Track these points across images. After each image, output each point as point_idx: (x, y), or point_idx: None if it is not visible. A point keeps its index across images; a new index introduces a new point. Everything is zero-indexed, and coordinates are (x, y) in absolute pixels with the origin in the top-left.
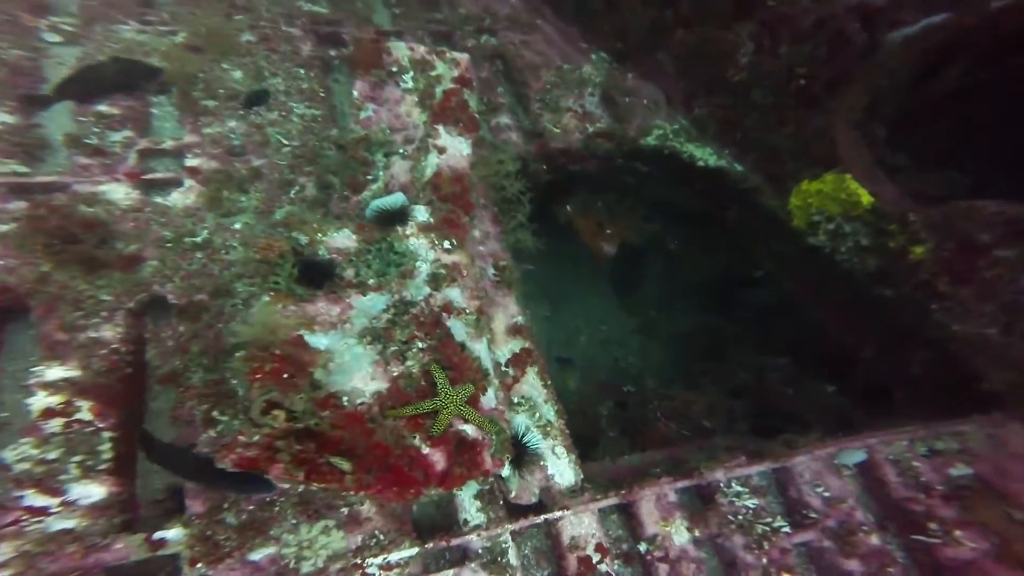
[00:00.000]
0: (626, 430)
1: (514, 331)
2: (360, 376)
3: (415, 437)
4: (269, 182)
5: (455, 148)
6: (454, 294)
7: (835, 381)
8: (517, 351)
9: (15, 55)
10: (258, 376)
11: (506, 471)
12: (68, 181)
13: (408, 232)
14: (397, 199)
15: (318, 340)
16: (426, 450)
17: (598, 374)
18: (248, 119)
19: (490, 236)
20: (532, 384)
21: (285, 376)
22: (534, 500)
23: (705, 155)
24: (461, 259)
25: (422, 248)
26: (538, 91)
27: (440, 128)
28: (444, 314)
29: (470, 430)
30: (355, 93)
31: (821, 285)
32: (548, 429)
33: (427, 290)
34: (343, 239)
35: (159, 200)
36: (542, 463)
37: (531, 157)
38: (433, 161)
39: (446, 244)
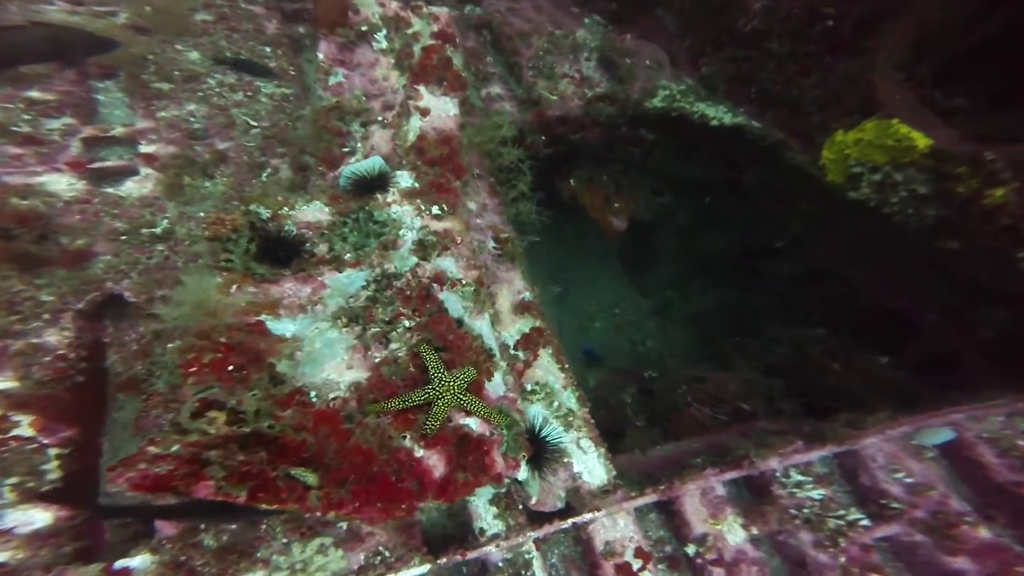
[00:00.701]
0: (654, 418)
1: (522, 309)
2: (334, 365)
3: (404, 437)
4: (237, 166)
5: (440, 109)
6: (447, 264)
7: (889, 351)
8: (527, 331)
9: None
10: (193, 370)
11: (523, 473)
12: None
13: (390, 199)
14: (374, 162)
15: (283, 326)
16: (419, 452)
17: (616, 360)
18: (210, 101)
19: (488, 208)
20: (547, 368)
21: (232, 369)
22: (560, 505)
23: (719, 113)
24: (454, 225)
25: (406, 216)
26: (530, 59)
27: (421, 88)
28: (435, 286)
29: (474, 424)
30: (320, 55)
31: (863, 245)
32: (570, 419)
33: (413, 260)
34: (314, 212)
35: (110, 190)
36: (566, 460)
37: (528, 127)
38: (415, 124)
39: (435, 210)
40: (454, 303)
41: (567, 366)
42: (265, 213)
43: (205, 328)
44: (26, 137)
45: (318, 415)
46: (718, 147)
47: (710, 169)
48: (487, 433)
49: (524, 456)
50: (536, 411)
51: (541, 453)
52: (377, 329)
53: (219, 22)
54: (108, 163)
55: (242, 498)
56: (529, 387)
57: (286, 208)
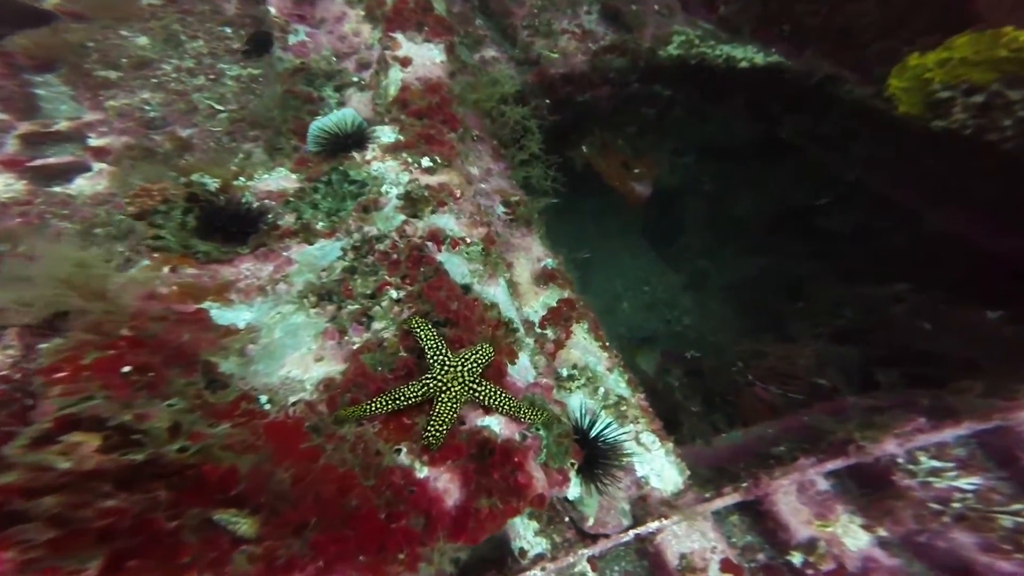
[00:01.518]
0: (710, 402)
1: (545, 278)
2: (297, 358)
3: (399, 451)
4: (204, 152)
5: (423, 56)
6: (445, 221)
7: (999, 304)
8: (553, 304)
9: None
10: (62, 375)
11: (574, 489)
12: None
13: (369, 156)
14: (344, 115)
15: (234, 314)
16: (422, 472)
17: (651, 342)
18: (167, 87)
19: (492, 173)
20: (584, 347)
21: (129, 371)
22: (626, 523)
23: (748, 54)
24: (451, 178)
25: (390, 172)
26: (524, 18)
27: (399, 36)
28: (431, 245)
29: (497, 425)
30: (271, 9)
31: (952, 183)
32: (623, 408)
33: (401, 218)
34: (278, 180)
35: (58, 189)
36: (627, 462)
37: (530, 90)
38: (396, 77)
39: (425, 162)
40: (457, 266)
41: (608, 343)
42: (212, 183)
43: (99, 320)
44: None
45: (270, 429)
46: (748, 96)
47: (738, 126)
48: (516, 437)
49: (573, 464)
50: (578, 402)
51: (595, 458)
52: (356, 306)
53: (169, 5)
54: (51, 160)
55: (95, 569)
56: (565, 372)
57: (242, 178)
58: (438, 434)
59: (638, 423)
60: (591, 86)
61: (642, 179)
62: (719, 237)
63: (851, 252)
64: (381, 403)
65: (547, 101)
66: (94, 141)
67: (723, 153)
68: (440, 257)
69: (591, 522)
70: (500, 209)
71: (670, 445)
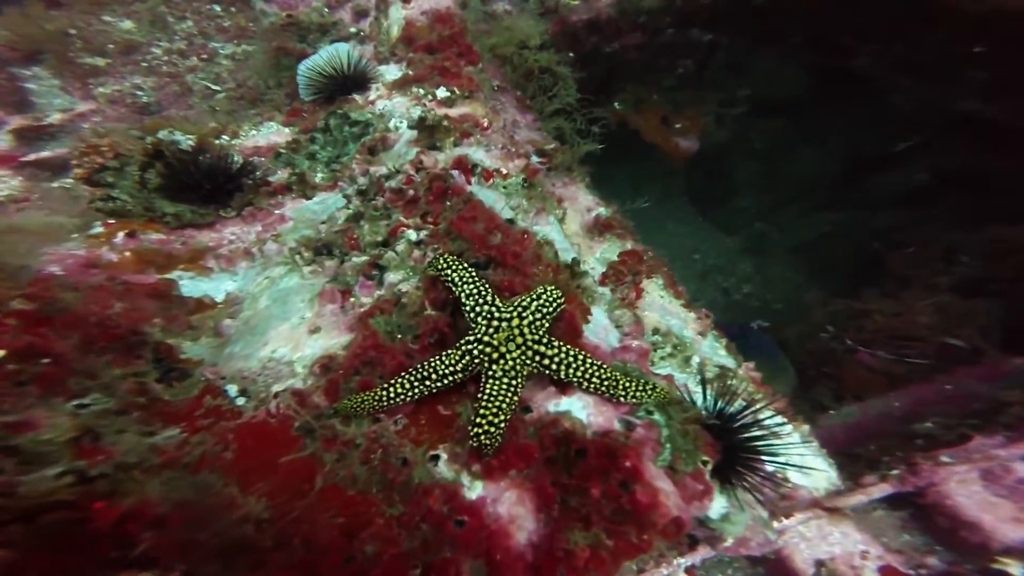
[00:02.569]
0: (804, 375)
1: (600, 228)
2: (285, 331)
3: (436, 458)
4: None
5: None
6: (473, 152)
7: None
8: (614, 258)
9: None
10: None
11: (718, 503)
12: None
13: (373, 97)
14: (337, 50)
15: (211, 284)
16: (474, 490)
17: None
18: (159, 71)
19: (519, 126)
20: (663, 307)
21: (6, 358)
22: (773, 539)
23: None
24: (474, 109)
25: (399, 108)
26: None
27: None
28: (456, 173)
29: (583, 410)
30: None
31: None
32: (729, 383)
33: (415, 151)
34: (268, 136)
35: (55, 184)
36: (777, 459)
37: (550, 43)
38: (398, 16)
39: (441, 92)
40: (495, 201)
41: (692, 301)
42: (185, 140)
43: None
44: None
45: (243, 435)
46: (810, 30)
47: (789, 72)
48: (617, 426)
49: (707, 464)
50: (671, 370)
51: (735, 452)
52: (363, 258)
53: None
54: (45, 154)
55: None
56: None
57: (225, 136)
58: (493, 429)
59: (753, 400)
60: (619, 33)
61: (686, 134)
62: (777, 196)
63: (958, 196)
64: (404, 385)
65: (570, 55)
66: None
67: (775, 105)
68: (471, 188)
69: (731, 541)
70: (534, 159)
71: (806, 428)
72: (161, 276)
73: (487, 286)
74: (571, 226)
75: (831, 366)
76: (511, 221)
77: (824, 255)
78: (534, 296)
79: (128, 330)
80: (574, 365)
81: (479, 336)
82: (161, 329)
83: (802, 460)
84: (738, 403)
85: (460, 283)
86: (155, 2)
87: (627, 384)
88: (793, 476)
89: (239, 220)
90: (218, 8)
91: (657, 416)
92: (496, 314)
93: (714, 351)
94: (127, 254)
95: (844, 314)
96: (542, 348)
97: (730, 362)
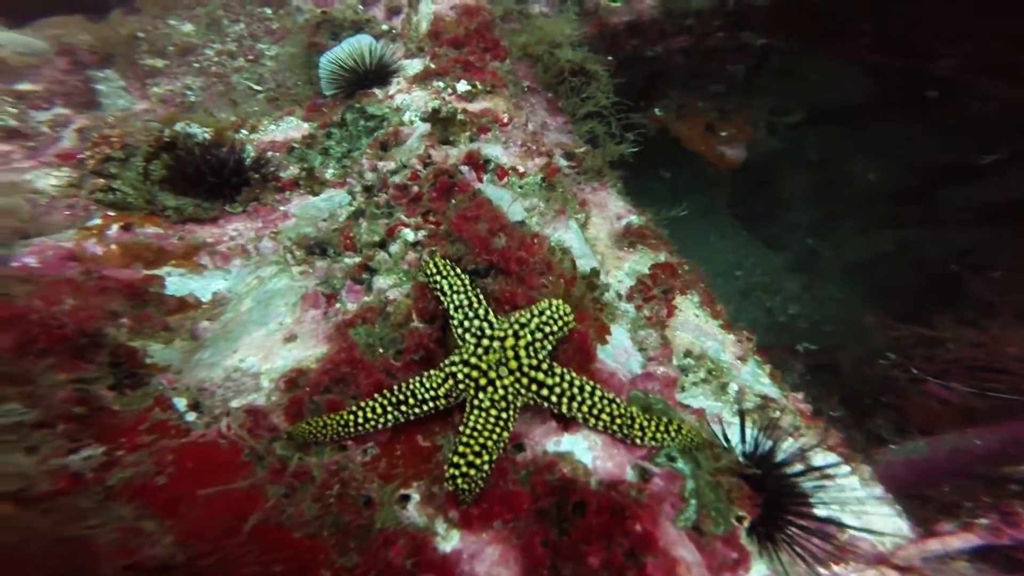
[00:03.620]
0: (854, 404)
1: (632, 237)
2: (258, 339)
3: (406, 499)
4: None
5: None
6: (488, 148)
7: None
8: (645, 271)
9: None
10: None
11: (757, 571)
12: None
13: (392, 91)
14: (359, 41)
15: (201, 282)
16: (448, 542)
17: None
18: (208, 71)
19: (550, 128)
20: (697, 327)
21: None
22: None
23: None
24: (496, 104)
25: (417, 101)
26: None
27: None
28: (466, 170)
29: (587, 452)
30: None
31: None
32: (771, 414)
33: (424, 145)
34: (286, 130)
35: (101, 181)
36: (826, 508)
37: (587, 46)
38: (427, 10)
39: (462, 86)
40: (507, 202)
41: (732, 322)
42: (201, 133)
43: None
44: (11, 131)
45: (183, 457)
46: (881, 32)
47: (851, 78)
48: (630, 475)
49: (742, 520)
50: (708, 402)
51: (777, 506)
52: (355, 259)
53: None
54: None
55: None
56: (674, 363)
57: (244, 131)
58: (473, 471)
59: (800, 435)
60: (663, 36)
61: (732, 142)
62: (832, 210)
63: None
64: (375, 410)
65: (609, 58)
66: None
67: (833, 111)
68: (480, 186)
69: None
70: (562, 162)
71: (867, 469)
72: (148, 272)
73: (481, 298)
74: (598, 234)
75: (892, 396)
76: (521, 223)
77: (885, 275)
78: (536, 312)
79: (77, 330)
80: (579, 398)
81: (465, 357)
82: (128, 330)
83: (863, 507)
84: (784, 440)
85: (449, 291)
86: (214, 6)
87: (645, 423)
88: (851, 525)
89: (244, 216)
90: (268, 11)
91: (681, 464)
92: (487, 331)
93: (756, 378)
94: (114, 247)
95: (910, 341)
96: (540, 375)
97: (774, 391)
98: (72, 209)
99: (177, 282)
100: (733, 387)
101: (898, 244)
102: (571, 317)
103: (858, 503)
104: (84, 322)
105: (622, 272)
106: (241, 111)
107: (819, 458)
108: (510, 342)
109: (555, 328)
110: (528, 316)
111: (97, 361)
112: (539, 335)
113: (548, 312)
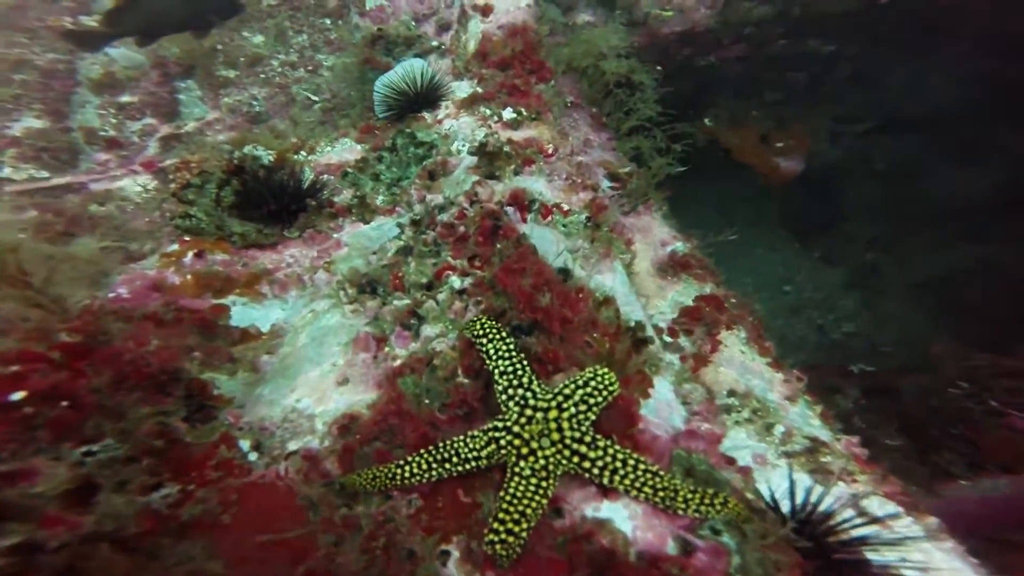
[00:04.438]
0: (915, 434)
1: (673, 268)
2: (313, 379)
3: (446, 555)
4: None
5: (507, 2)
6: (531, 183)
7: None
8: (689, 303)
9: None
10: None
11: None
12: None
13: (441, 116)
14: (413, 66)
15: (262, 312)
16: None
17: (795, 354)
18: (272, 82)
19: (593, 145)
20: (743, 364)
21: (24, 400)
22: None
23: None
24: (540, 132)
25: (465, 128)
26: None
27: None
28: (511, 211)
29: (627, 521)
30: None
31: None
32: (821, 460)
33: (472, 180)
34: (341, 152)
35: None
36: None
37: (636, 57)
38: (476, 29)
39: (507, 114)
40: (550, 243)
41: (781, 359)
42: (266, 156)
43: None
44: (111, 141)
45: (245, 497)
46: (995, 31)
47: (942, 81)
48: (671, 548)
49: None
50: (740, 444)
51: (832, 571)
52: (405, 301)
53: (283, 4)
54: (171, 161)
55: None
56: (716, 403)
57: (303, 152)
58: (512, 539)
59: (853, 482)
60: (717, 46)
61: (789, 153)
62: (901, 224)
63: None
64: (420, 466)
65: (658, 68)
66: (210, 139)
67: (911, 120)
68: (525, 228)
69: None
70: (606, 183)
71: (933, 520)
72: (216, 301)
73: (525, 364)
74: (641, 263)
75: (964, 428)
76: (565, 271)
77: (960, 295)
78: (581, 383)
79: (159, 368)
80: (621, 471)
81: (508, 424)
82: (199, 362)
83: (931, 564)
84: (835, 487)
85: (495, 356)
86: (282, 17)
87: (689, 496)
88: None
89: (300, 242)
90: (328, 22)
91: (726, 538)
92: (531, 401)
93: (805, 420)
94: (189, 277)
95: (988, 371)
96: (583, 448)
97: (824, 434)
98: (150, 219)
99: (240, 312)
100: (780, 428)
101: (980, 261)
102: (616, 386)
103: (923, 560)
104: (166, 361)
105: (665, 303)
106: (302, 129)
107: (877, 508)
108: (553, 413)
109: (599, 399)
110: (573, 387)
111: (175, 395)
112: (583, 407)
113: (594, 383)
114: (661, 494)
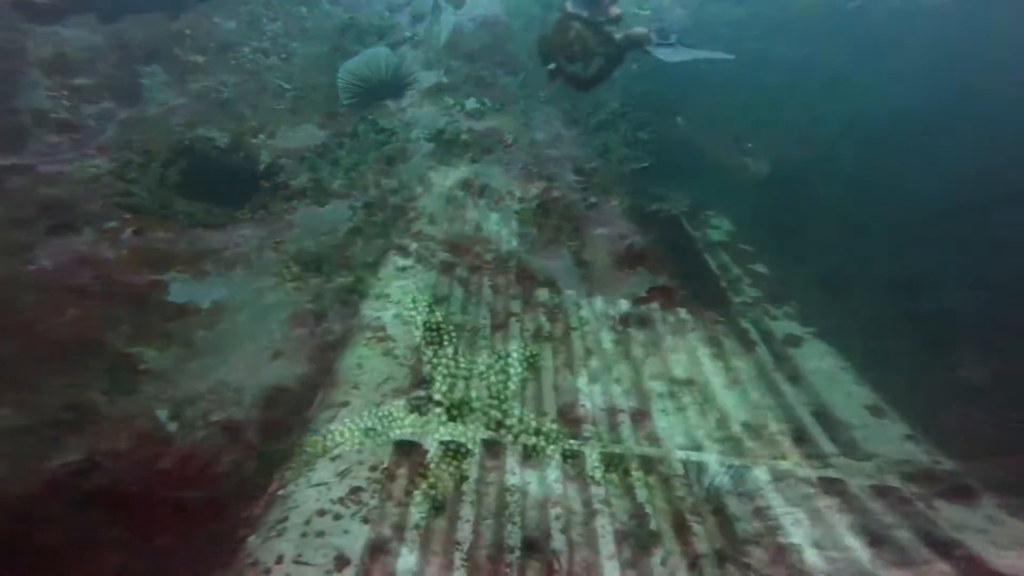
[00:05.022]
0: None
1: (630, 260)
2: (249, 353)
3: None
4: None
5: None
6: (487, 171)
7: None
8: (643, 293)
9: None
10: None
11: None
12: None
13: (405, 104)
14: (377, 53)
15: (204, 290)
16: None
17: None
18: (244, 68)
19: (563, 140)
20: (690, 353)
21: None
22: None
23: None
24: (502, 124)
25: (425, 117)
26: None
27: None
28: (462, 195)
29: None
30: None
31: None
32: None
33: (426, 165)
34: (303, 137)
35: None
36: None
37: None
38: (449, 20)
39: (471, 103)
40: (498, 225)
41: (728, 349)
42: (221, 138)
43: None
44: (63, 123)
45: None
46: None
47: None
48: None
49: None
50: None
51: None
52: (348, 279)
53: None
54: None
55: None
56: (661, 388)
57: (262, 136)
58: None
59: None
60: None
61: (759, 154)
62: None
63: None
64: (343, 434)
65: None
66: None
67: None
68: (475, 214)
69: None
70: (571, 177)
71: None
72: (155, 277)
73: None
74: (598, 254)
75: None
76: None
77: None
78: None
79: (77, 339)
80: None
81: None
82: (128, 336)
83: None
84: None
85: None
86: (256, 4)
87: None
88: None
89: (252, 223)
90: (304, 10)
91: None
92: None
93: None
94: (125, 252)
95: None
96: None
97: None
98: (103, 200)
99: (180, 288)
100: (714, 413)
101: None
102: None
103: None
104: (84, 332)
105: (620, 293)
106: (263, 115)
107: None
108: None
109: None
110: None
111: (95, 368)
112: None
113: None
114: None
